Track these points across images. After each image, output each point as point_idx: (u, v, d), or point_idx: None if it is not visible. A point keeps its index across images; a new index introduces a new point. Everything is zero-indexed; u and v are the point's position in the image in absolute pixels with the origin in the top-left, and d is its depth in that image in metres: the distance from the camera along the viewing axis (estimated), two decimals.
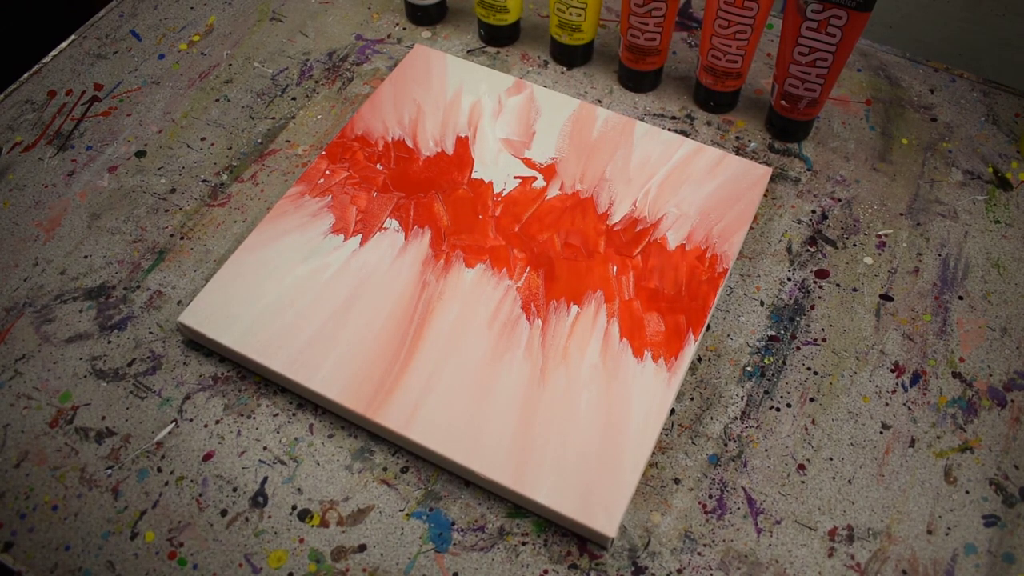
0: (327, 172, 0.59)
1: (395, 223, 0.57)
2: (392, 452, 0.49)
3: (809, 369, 0.53)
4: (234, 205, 0.60)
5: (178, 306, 0.55)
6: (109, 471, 0.49)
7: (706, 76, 0.63)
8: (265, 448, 0.50)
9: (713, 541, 0.47)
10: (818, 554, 0.46)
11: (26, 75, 0.67)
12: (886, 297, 0.56)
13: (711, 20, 0.59)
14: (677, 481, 0.49)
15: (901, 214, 0.60)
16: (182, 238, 0.58)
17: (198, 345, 0.53)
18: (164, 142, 0.64)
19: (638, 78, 0.66)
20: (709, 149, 0.60)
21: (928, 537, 0.47)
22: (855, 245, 0.58)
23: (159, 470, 0.49)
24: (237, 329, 0.51)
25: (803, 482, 0.49)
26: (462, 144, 0.61)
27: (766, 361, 0.53)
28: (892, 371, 0.53)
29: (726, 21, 0.58)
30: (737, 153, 0.63)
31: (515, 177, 0.59)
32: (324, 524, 0.47)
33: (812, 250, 0.58)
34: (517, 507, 0.48)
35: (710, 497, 0.48)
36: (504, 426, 0.48)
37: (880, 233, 0.59)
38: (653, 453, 0.49)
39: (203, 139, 0.64)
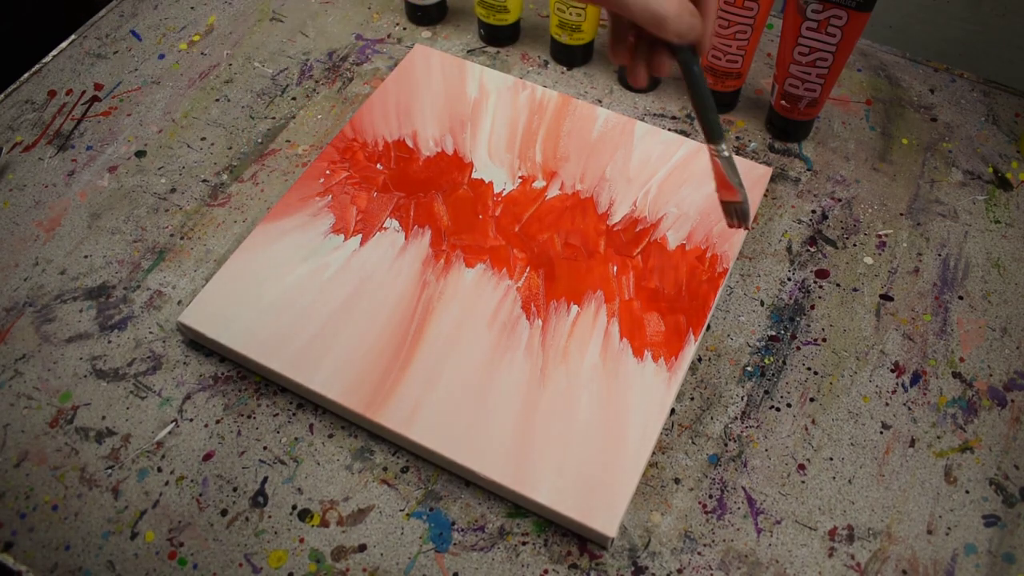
0: (327, 172, 0.59)
1: (395, 223, 0.57)
2: (392, 452, 0.49)
3: (809, 369, 0.53)
4: (234, 205, 0.60)
5: (178, 306, 0.55)
6: (109, 471, 0.49)
7: (706, 76, 0.63)
8: (265, 448, 0.50)
9: (713, 541, 0.47)
10: (818, 554, 0.46)
11: (26, 75, 0.67)
12: (886, 297, 0.56)
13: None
14: (677, 481, 0.49)
15: (901, 214, 0.60)
16: (182, 238, 0.58)
17: (198, 345, 0.53)
18: (164, 142, 0.64)
19: None
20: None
21: (928, 537, 0.47)
22: (855, 245, 0.58)
23: (159, 470, 0.49)
24: (237, 329, 0.51)
25: (803, 482, 0.49)
26: (462, 144, 0.61)
27: (766, 361, 0.53)
28: (892, 371, 0.53)
29: (726, 21, 0.58)
30: (737, 153, 0.63)
31: (515, 177, 0.59)
32: (324, 524, 0.47)
33: (812, 250, 0.58)
34: (517, 507, 0.48)
35: (710, 497, 0.48)
36: (504, 426, 0.48)
37: (880, 233, 0.59)
38: (653, 453, 0.49)
39: (203, 139, 0.64)
